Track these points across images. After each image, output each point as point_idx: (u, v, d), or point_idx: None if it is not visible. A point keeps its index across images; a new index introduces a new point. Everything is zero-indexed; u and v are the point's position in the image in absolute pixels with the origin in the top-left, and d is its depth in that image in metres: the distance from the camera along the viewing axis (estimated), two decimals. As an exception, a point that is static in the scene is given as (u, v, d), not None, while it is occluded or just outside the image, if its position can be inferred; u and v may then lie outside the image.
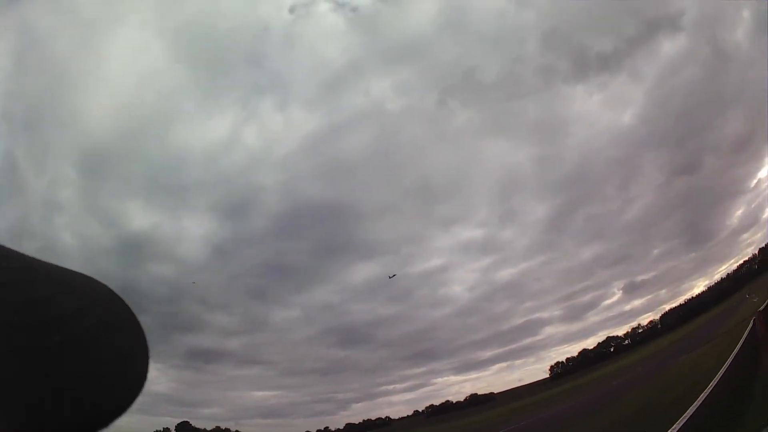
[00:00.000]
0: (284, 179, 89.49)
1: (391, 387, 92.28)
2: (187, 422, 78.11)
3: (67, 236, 79.92)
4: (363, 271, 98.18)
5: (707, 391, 18.10)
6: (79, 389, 0.76)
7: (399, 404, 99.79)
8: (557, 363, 77.83)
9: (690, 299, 68.72)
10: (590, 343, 76.41)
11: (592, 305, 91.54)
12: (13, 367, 0.71)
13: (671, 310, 68.72)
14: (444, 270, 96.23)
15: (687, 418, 15.50)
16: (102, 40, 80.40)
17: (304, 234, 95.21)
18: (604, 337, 74.76)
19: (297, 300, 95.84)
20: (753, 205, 74.30)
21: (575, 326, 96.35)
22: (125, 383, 0.83)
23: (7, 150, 75.46)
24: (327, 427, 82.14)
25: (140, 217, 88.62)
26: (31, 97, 75.85)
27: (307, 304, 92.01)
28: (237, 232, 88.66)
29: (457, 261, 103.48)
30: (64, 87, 78.60)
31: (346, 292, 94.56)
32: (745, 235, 73.49)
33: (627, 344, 70.21)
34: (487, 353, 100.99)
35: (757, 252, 67.30)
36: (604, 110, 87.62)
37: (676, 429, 14.73)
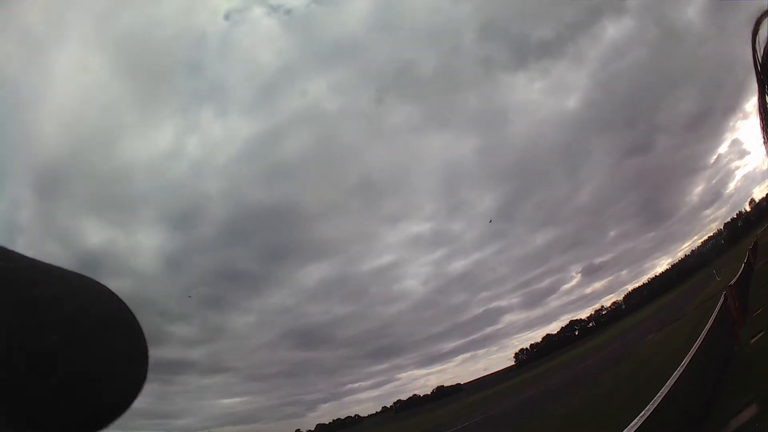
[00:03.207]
0: (227, 186, 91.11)
1: (356, 385, 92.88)
2: None
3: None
4: (315, 273, 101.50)
5: (681, 368, 17.97)
6: (78, 389, 0.74)
7: (367, 401, 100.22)
8: (522, 350, 78.91)
9: (653, 278, 69.95)
10: (553, 328, 77.54)
11: (551, 290, 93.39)
12: (13, 367, 0.69)
13: (634, 290, 70.28)
14: (395, 266, 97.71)
15: (661, 397, 15.33)
16: (44, 60, 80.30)
17: (252, 240, 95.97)
18: (567, 321, 76.21)
19: (253, 305, 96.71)
20: (714, 181, 76.18)
21: (536, 312, 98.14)
22: (124, 383, 0.80)
23: None
24: (298, 430, 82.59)
25: (95, 233, 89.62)
26: None
27: (264, 309, 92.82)
28: (187, 241, 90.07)
29: (407, 256, 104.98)
30: (12, 108, 78.37)
31: (301, 294, 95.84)
32: (707, 211, 75.49)
33: (591, 327, 71.00)
34: (449, 345, 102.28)
35: (722, 227, 68.71)
36: (548, 96, 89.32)
37: (651, 408, 14.53)
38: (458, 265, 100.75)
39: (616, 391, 23.33)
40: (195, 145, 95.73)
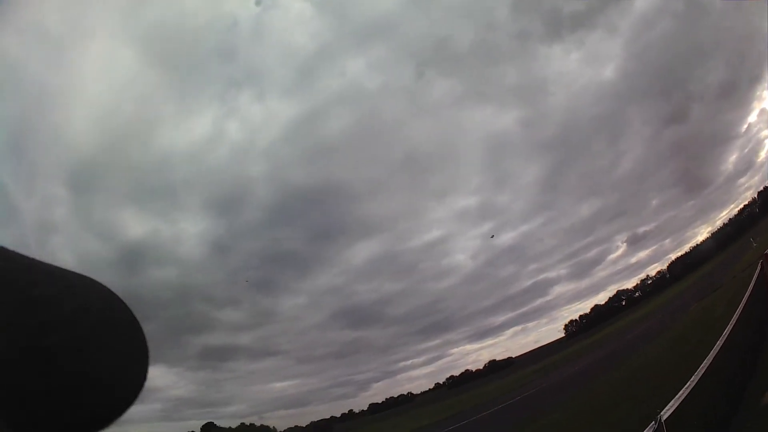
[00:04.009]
0: (271, 168, 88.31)
1: (408, 362, 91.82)
2: (211, 423, 76.23)
3: (65, 255, 78.80)
4: (363, 251, 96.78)
5: (722, 339, 18.97)
6: (78, 389, 0.77)
7: (419, 379, 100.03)
8: (571, 321, 77.58)
9: (695, 247, 69.44)
10: (601, 298, 76.25)
11: (597, 261, 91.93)
12: (13, 367, 0.72)
13: (677, 258, 69.29)
14: (444, 241, 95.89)
15: (706, 366, 16.39)
16: (73, 57, 79.14)
17: (298, 221, 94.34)
18: (614, 292, 74.75)
19: (302, 287, 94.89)
20: (746, 150, 74.64)
21: (584, 283, 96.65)
22: (124, 384, 0.84)
23: None
24: (351, 410, 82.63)
25: (136, 225, 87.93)
26: (8, 124, 75.28)
27: (313, 290, 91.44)
28: (232, 226, 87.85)
29: (455, 230, 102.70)
30: (41, 108, 76.92)
31: (350, 273, 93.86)
32: (742, 180, 73.99)
33: (638, 296, 70.53)
34: (500, 318, 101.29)
35: (756, 195, 68.02)
36: (584, 67, 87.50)
37: (696, 378, 15.58)
38: (506, 238, 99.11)
39: (662, 361, 23.77)
40: (235, 129, 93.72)
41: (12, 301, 0.73)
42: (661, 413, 11.86)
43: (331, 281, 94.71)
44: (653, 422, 11.54)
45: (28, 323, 0.73)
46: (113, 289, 0.87)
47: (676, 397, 13.51)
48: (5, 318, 0.72)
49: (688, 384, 14.62)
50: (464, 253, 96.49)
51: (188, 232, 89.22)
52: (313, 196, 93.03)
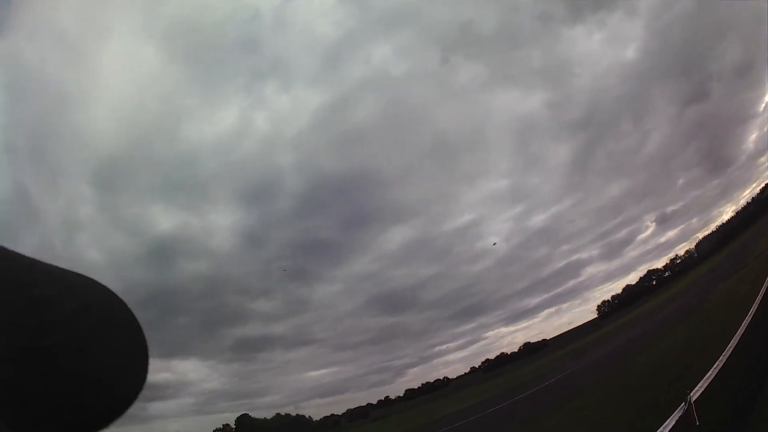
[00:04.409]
0: (301, 158, 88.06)
1: (444, 347, 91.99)
2: (246, 415, 78.06)
3: (93, 253, 79.20)
4: (397, 237, 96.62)
5: (748, 318, 19.49)
6: (78, 390, 0.78)
7: (455, 363, 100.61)
8: (603, 302, 78.12)
9: (721, 225, 69.06)
10: (632, 279, 76.57)
11: (628, 241, 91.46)
12: (13, 367, 0.72)
13: (704, 237, 68.81)
14: (477, 224, 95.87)
15: (732, 346, 16.96)
16: (92, 56, 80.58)
17: (330, 209, 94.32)
18: (644, 272, 75.01)
19: (336, 274, 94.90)
20: (766, 129, 74.07)
21: (615, 264, 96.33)
22: (124, 384, 0.85)
23: (16, 181, 75.52)
24: (387, 396, 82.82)
25: (164, 219, 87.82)
26: (30, 125, 75.76)
27: (347, 277, 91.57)
28: (263, 217, 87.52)
29: (488, 213, 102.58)
30: (63, 108, 78.68)
31: (384, 259, 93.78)
32: (762, 159, 73.31)
33: (668, 276, 70.29)
34: (534, 300, 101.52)
35: (778, 174, 67.74)
36: (607, 48, 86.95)
37: (724, 359, 16.12)
38: (538, 220, 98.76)
39: (691, 341, 24.13)
40: (263, 120, 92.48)
41: (12, 301, 0.74)
42: (691, 394, 12.63)
43: (365, 268, 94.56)
44: (683, 403, 12.31)
45: (28, 323, 0.74)
46: (110, 288, 0.89)
47: (705, 377, 14.22)
48: (5, 318, 0.73)
49: (716, 365, 15.30)
50: (497, 235, 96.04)
51: (219, 224, 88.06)
52: (344, 183, 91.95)
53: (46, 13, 73.47)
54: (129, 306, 0.88)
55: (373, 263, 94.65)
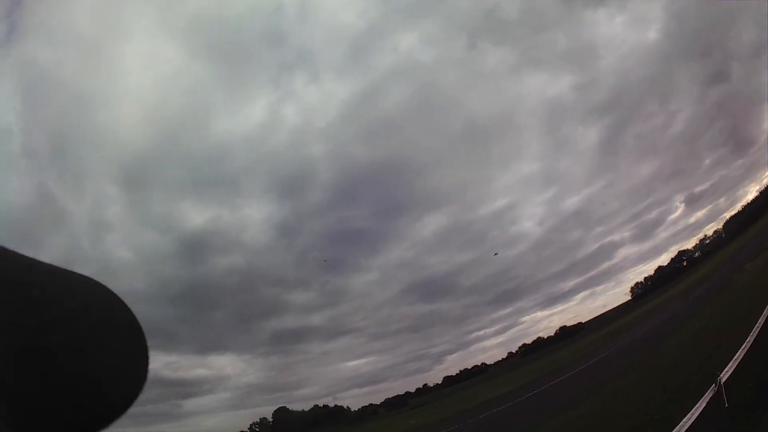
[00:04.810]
0: (332, 148, 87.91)
1: (481, 333, 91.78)
2: (284, 407, 78.71)
3: (123, 252, 79.99)
4: (432, 223, 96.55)
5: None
6: (78, 390, 0.78)
7: (492, 349, 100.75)
8: (636, 284, 78.03)
9: (746, 205, 68.67)
10: (664, 260, 76.22)
11: (659, 222, 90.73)
12: (13, 368, 0.73)
13: (731, 218, 68.37)
14: (511, 208, 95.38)
15: (759, 326, 17.66)
16: (112, 57, 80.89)
17: (364, 198, 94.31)
18: (675, 253, 74.74)
19: (372, 263, 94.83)
20: None
21: (647, 245, 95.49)
22: (124, 383, 0.85)
23: (39, 185, 76.14)
24: (425, 384, 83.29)
25: (196, 215, 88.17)
26: (51, 128, 76.84)
27: (384, 266, 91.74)
28: (298, 208, 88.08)
29: (521, 197, 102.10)
30: (84, 110, 79.19)
31: (420, 246, 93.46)
32: None
33: (698, 257, 69.96)
34: (569, 284, 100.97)
35: (799, 153, 67.35)
36: (629, 30, 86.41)
37: (753, 336, 16.87)
38: (571, 202, 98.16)
39: (720, 322, 24.48)
40: (292, 113, 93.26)
41: (12, 301, 0.74)
42: (720, 375, 13.22)
43: (402, 255, 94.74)
44: (713, 384, 12.90)
45: (28, 323, 0.74)
46: (110, 288, 0.89)
47: (734, 358, 14.98)
48: (5, 318, 0.73)
49: (744, 345, 16.08)
50: (531, 219, 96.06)
51: (253, 217, 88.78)
52: (376, 172, 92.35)
53: (70, 14, 74.39)
54: (129, 306, 0.89)
55: (408, 251, 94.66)
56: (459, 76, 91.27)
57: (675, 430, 11.43)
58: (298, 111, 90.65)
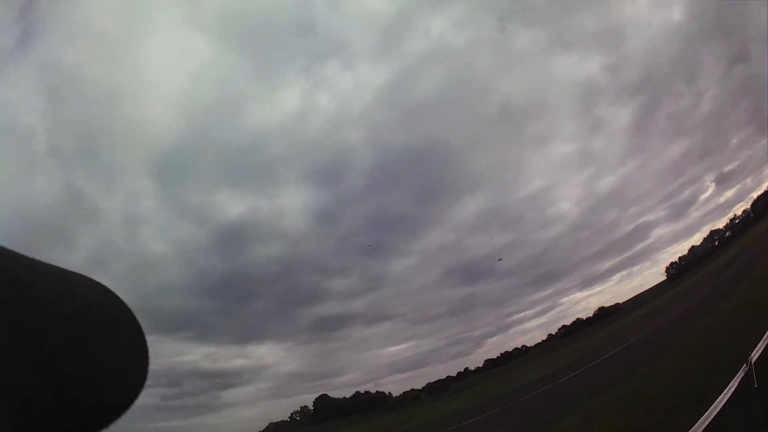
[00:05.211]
0: (368, 134, 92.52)
1: (521, 315, 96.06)
2: (325, 395, 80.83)
3: (158, 245, 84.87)
4: (470, 206, 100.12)
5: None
6: (78, 390, 0.78)
7: (532, 331, 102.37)
8: (671, 264, 78.74)
9: (772, 184, 68.50)
10: (696, 239, 76.83)
11: (691, 201, 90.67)
12: (13, 368, 0.72)
13: (759, 197, 68.45)
14: (548, 190, 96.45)
15: None
16: (139, 53, 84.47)
17: (402, 183, 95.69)
18: (707, 232, 75.20)
19: (412, 248, 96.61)
20: None
21: (680, 225, 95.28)
22: (124, 384, 0.84)
23: (66, 183, 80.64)
24: (467, 368, 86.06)
25: (233, 204, 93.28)
26: (79, 126, 79.79)
27: (423, 250, 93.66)
28: (336, 194, 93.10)
29: (558, 179, 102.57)
30: (113, 107, 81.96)
31: (459, 229, 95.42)
32: None
33: (729, 236, 70.02)
34: (606, 264, 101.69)
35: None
36: (654, 10, 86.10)
37: None
38: (606, 183, 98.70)
39: (750, 303, 25.28)
40: (327, 100, 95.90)
41: (12, 301, 0.73)
42: (751, 355, 13.95)
43: (441, 239, 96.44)
44: (744, 365, 13.57)
45: (28, 323, 0.74)
46: (110, 287, 0.88)
47: (764, 338, 15.94)
48: (5, 318, 0.72)
49: None
50: (569, 200, 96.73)
51: (291, 205, 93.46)
52: (412, 157, 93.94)
53: (98, 11, 77.47)
54: (129, 306, 0.88)
55: (447, 234, 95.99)
56: (490, 58, 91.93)
57: (708, 410, 12.02)
58: (332, 98, 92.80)
